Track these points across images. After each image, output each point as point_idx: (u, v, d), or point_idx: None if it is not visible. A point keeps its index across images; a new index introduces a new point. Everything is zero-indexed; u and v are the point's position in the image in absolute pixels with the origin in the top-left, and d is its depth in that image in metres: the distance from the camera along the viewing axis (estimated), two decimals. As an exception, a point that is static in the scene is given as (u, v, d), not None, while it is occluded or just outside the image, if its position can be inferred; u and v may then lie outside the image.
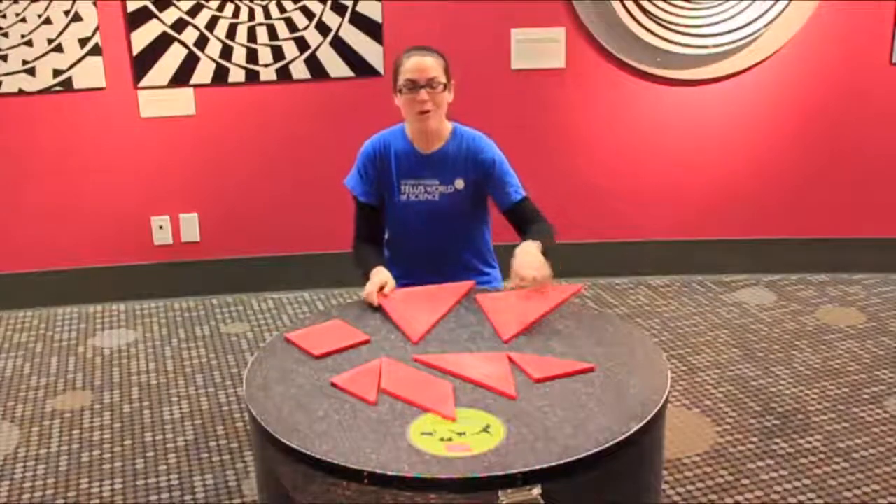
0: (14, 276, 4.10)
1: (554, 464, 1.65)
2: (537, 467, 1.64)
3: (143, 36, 3.84)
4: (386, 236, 2.75)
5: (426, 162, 2.56)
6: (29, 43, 3.77)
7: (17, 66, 3.79)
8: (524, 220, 2.57)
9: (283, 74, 3.97)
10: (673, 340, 3.71)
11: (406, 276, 2.63)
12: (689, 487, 2.72)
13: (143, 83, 3.91)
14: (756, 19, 3.93)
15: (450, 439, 1.74)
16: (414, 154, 2.57)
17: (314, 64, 3.97)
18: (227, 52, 3.90)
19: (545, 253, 2.39)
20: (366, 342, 2.18)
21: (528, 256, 2.33)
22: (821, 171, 4.23)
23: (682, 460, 2.85)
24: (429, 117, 2.48)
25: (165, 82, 3.92)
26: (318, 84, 4.01)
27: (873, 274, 4.32)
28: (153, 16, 3.82)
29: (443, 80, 2.48)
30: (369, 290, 2.39)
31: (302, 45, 3.94)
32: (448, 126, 2.58)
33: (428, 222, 2.59)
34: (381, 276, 2.43)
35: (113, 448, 2.99)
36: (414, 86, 2.45)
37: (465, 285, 2.50)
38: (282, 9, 3.88)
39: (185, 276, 4.19)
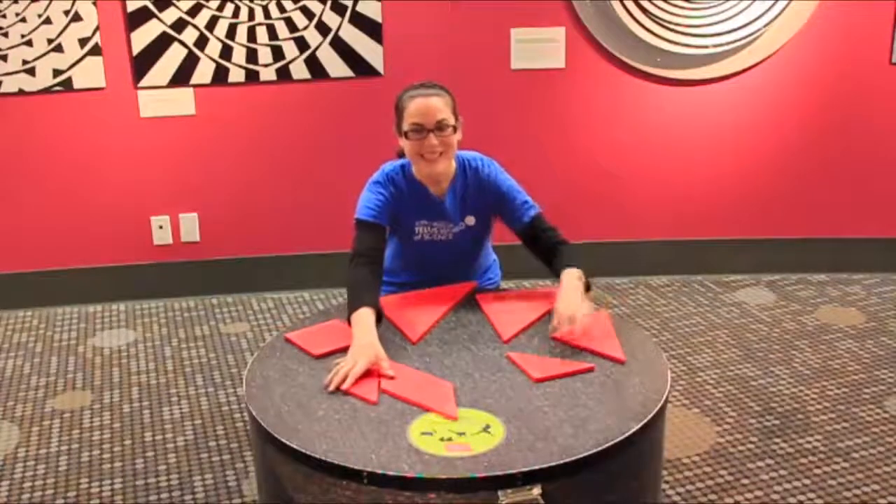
0: (14, 276, 4.10)
1: (554, 464, 1.65)
2: (537, 467, 1.64)
3: (143, 36, 3.84)
4: (391, 265, 2.65)
5: (440, 206, 2.45)
6: (29, 43, 3.77)
7: (17, 65, 3.79)
8: (540, 239, 2.41)
9: (283, 74, 3.97)
10: (673, 340, 3.71)
11: (411, 286, 2.61)
12: (689, 487, 2.72)
13: (143, 83, 3.91)
14: (756, 19, 3.93)
15: (450, 439, 1.74)
16: (427, 198, 2.45)
17: (314, 64, 3.97)
18: (227, 52, 3.91)
19: (587, 284, 2.25)
20: (366, 342, 2.18)
21: (572, 296, 2.15)
22: (821, 171, 4.23)
23: (682, 460, 2.85)
24: (437, 161, 2.33)
25: (165, 82, 3.92)
26: (318, 84, 4.01)
27: (873, 274, 4.33)
28: (153, 16, 3.82)
29: (451, 121, 2.31)
30: (344, 370, 1.97)
31: (302, 45, 3.94)
32: (454, 162, 2.44)
33: (441, 258, 2.53)
34: (370, 350, 2.03)
35: (113, 448, 2.99)
36: (421, 129, 2.28)
37: (465, 286, 2.50)
38: (282, 9, 3.88)
39: (185, 276, 4.20)
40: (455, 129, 2.34)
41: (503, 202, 2.45)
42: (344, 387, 1.94)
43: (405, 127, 2.32)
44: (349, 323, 2.16)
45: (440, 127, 2.29)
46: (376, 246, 2.37)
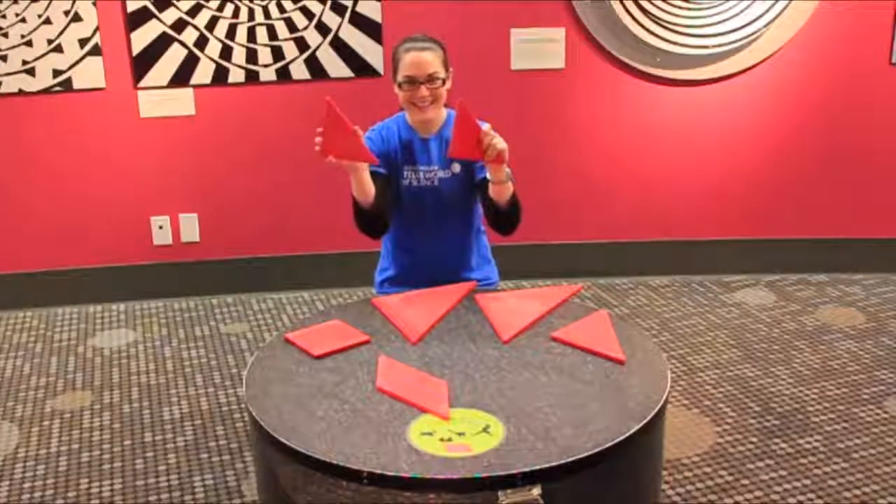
0: (14, 276, 4.10)
1: (554, 464, 1.65)
2: (537, 467, 1.64)
3: (143, 36, 3.84)
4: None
5: (425, 147, 2.57)
6: (29, 43, 3.77)
7: (17, 66, 3.79)
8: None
9: (283, 74, 3.97)
10: (673, 340, 3.71)
11: (408, 277, 2.63)
12: (689, 487, 2.72)
13: (142, 83, 3.91)
14: (756, 19, 3.93)
15: (450, 439, 1.74)
16: (415, 140, 2.57)
17: (314, 64, 3.97)
18: (226, 53, 3.91)
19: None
20: (366, 342, 2.18)
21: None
22: (821, 172, 4.23)
23: (681, 460, 2.85)
24: (427, 109, 2.49)
25: (165, 82, 3.92)
26: (317, 84, 4.01)
27: (873, 274, 4.33)
28: (153, 16, 3.82)
29: (442, 74, 2.47)
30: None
31: (302, 45, 3.94)
32: (444, 112, 2.59)
33: (430, 208, 2.59)
34: None
35: (113, 448, 2.99)
36: (413, 82, 2.45)
37: (465, 286, 2.50)
38: (281, 9, 3.88)
39: (185, 276, 4.19)
40: (444, 81, 2.49)
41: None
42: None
43: (399, 78, 2.49)
44: (362, 205, 2.41)
45: (431, 80, 2.46)
46: (378, 193, 2.45)
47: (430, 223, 2.61)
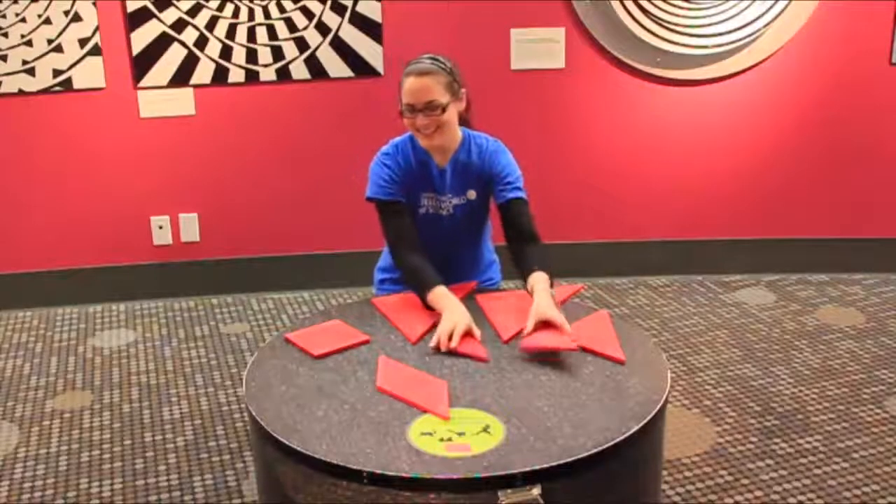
0: (14, 276, 4.10)
1: (554, 464, 1.65)
2: (537, 467, 1.64)
3: (143, 36, 3.84)
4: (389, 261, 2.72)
5: (441, 175, 2.50)
6: (29, 43, 3.77)
7: (16, 66, 3.79)
8: (513, 222, 2.46)
9: (283, 74, 3.97)
10: (673, 340, 3.71)
11: None
12: (689, 487, 2.72)
13: (142, 83, 3.91)
14: (756, 19, 3.93)
15: (450, 439, 1.74)
16: (431, 166, 2.50)
17: (314, 64, 3.97)
18: (226, 52, 3.91)
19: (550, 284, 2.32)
20: (366, 342, 2.18)
21: (547, 301, 2.21)
22: (820, 172, 4.23)
23: (681, 460, 2.85)
24: (432, 137, 2.41)
25: (165, 82, 3.92)
26: (317, 84, 4.01)
27: (873, 274, 4.33)
28: (153, 16, 3.82)
29: (442, 100, 2.36)
30: (446, 330, 2.14)
31: (302, 45, 3.94)
32: (459, 134, 2.51)
33: (444, 235, 2.56)
34: (460, 313, 2.20)
35: (113, 448, 2.99)
36: (412, 110, 2.36)
37: (465, 286, 2.50)
38: (281, 9, 3.88)
39: (185, 276, 4.20)
40: (445, 108, 2.37)
41: (494, 176, 2.50)
42: (452, 345, 2.10)
43: (400, 105, 2.40)
44: (424, 302, 2.31)
45: (430, 108, 2.36)
46: (405, 224, 2.47)
47: (441, 244, 2.56)
